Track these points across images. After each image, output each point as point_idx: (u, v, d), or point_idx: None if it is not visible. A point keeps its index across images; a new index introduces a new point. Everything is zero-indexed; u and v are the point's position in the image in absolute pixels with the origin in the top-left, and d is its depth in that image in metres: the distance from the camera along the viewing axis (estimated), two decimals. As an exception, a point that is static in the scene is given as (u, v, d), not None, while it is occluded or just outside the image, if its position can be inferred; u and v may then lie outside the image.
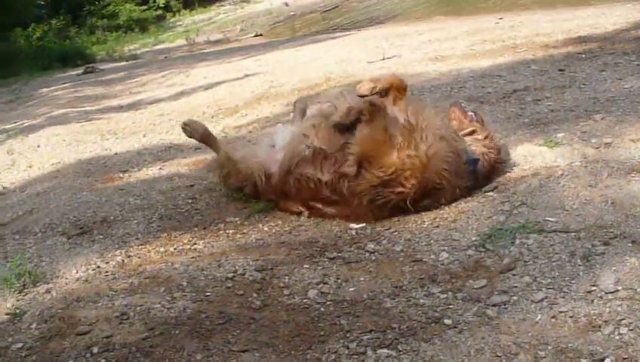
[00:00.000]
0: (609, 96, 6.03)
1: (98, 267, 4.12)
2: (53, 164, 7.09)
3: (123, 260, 4.18)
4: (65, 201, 5.51)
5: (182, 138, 7.53)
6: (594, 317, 2.96)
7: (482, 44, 9.90)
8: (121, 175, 6.30)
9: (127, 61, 21.85)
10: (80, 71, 18.80)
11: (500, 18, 13.41)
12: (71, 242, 4.63)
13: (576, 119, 5.52)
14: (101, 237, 4.65)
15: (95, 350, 3.15)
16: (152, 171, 6.27)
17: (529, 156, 4.82)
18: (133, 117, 9.59)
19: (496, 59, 8.34)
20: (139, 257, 4.21)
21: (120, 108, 10.65)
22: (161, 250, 4.29)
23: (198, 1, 36.71)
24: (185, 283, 3.73)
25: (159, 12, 36.17)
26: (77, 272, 4.08)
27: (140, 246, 4.38)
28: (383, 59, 9.81)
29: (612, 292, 3.11)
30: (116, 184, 6.00)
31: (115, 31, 33.24)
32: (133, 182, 5.95)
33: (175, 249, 4.28)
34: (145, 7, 35.58)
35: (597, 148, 4.81)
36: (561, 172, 4.50)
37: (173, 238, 4.46)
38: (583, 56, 7.86)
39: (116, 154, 7.31)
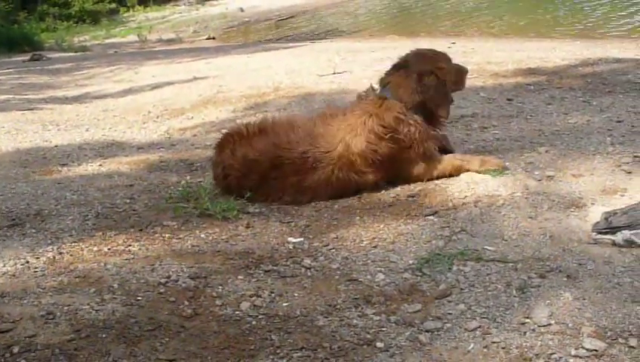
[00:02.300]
0: (554, 129, 6.12)
1: (27, 262, 4.01)
2: (-11, 151, 6.94)
3: (54, 257, 4.08)
4: (-2, 191, 5.40)
5: (125, 135, 7.49)
6: (525, 350, 2.97)
7: (433, 67, 9.97)
8: (59, 168, 6.20)
9: (76, 52, 21.62)
10: (26, 58, 18.53)
11: (453, 42, 13.59)
12: (1, 234, 4.51)
13: (520, 150, 5.58)
14: (33, 231, 4.53)
15: (16, 349, 3.04)
16: (91, 167, 6.18)
17: (472, 183, 4.85)
18: (77, 110, 9.47)
19: (445, 84, 8.40)
20: (71, 255, 4.11)
21: (64, 100, 10.51)
22: (95, 249, 4.19)
23: (153, -2, 36.50)
24: (116, 286, 3.64)
25: (113, 5, 35.89)
26: (4, 266, 3.96)
27: (73, 244, 4.27)
28: (334, 73, 9.82)
29: (545, 326, 3.13)
30: (54, 177, 5.89)
31: (66, 20, 32.83)
32: (71, 177, 5.85)
33: (109, 249, 4.19)
34: (99, -2, 35.27)
35: (539, 180, 4.87)
36: (502, 201, 4.54)
37: (108, 238, 4.37)
38: (532, 87, 7.97)
39: (56, 146, 7.20)
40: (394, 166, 4.97)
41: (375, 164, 4.90)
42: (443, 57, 5.31)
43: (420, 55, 5.30)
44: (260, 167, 4.94)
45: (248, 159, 4.99)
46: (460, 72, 5.41)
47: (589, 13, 18.61)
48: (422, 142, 4.92)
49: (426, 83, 5.01)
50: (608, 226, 3.95)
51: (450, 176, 5.04)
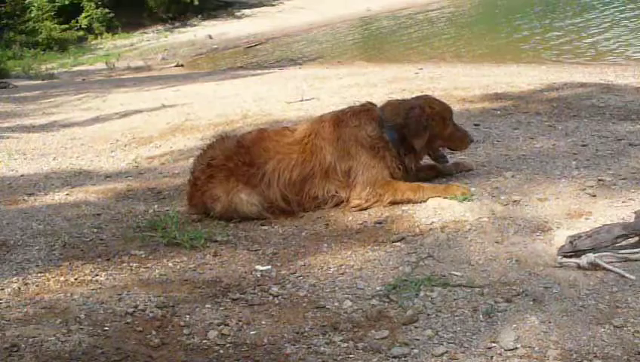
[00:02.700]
0: (520, 154, 6.17)
1: (-8, 293, 3.98)
2: (-46, 181, 6.88)
3: (19, 288, 4.04)
4: (-37, 221, 5.34)
5: (92, 164, 7.45)
6: (492, 374, 3.00)
7: (401, 93, 10.03)
8: (26, 198, 6.16)
9: (43, 80, 21.52)
10: (-7, 86, 18.39)
11: (421, 68, 13.69)
12: (-34, 265, 4.46)
13: (487, 175, 5.63)
14: (-1, 261, 4.50)
15: (-21, 383, 3.03)
16: (58, 196, 6.14)
17: (439, 209, 4.88)
18: (44, 138, 9.42)
19: (413, 110, 8.44)
20: (37, 285, 4.07)
21: (31, 128, 10.45)
22: (61, 279, 4.16)
23: (122, 25, 36.34)
24: (83, 316, 3.62)
25: (81, 33, 35.70)
26: (-31, 297, 3.93)
27: (39, 274, 4.23)
28: (302, 100, 9.85)
29: (511, 350, 3.16)
30: (20, 207, 5.85)
31: (33, 48, 32.63)
32: (38, 206, 5.81)
33: (76, 279, 4.16)
34: (66, 26, 35.06)
35: (505, 205, 4.91)
36: (469, 226, 4.58)
37: (75, 268, 4.33)
38: (498, 112, 8.04)
39: (23, 175, 7.16)
40: None
41: None
42: (442, 106, 5.68)
43: (423, 96, 5.88)
44: None
45: None
46: (460, 136, 5.66)
47: (554, 39, 18.85)
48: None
49: (412, 113, 5.29)
50: (573, 249, 3.99)
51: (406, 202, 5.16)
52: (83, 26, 35.83)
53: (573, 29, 20.19)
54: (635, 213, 4.21)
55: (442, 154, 5.66)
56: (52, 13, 34.74)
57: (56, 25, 34.58)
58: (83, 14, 35.87)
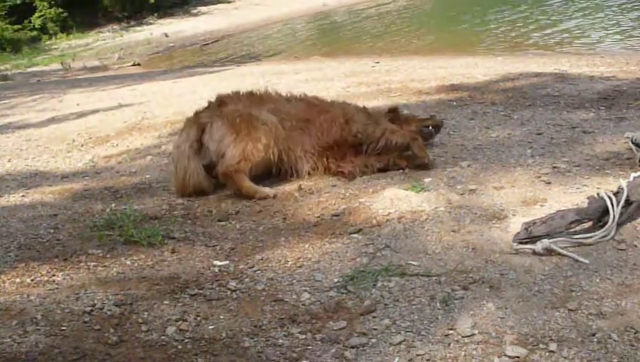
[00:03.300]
0: (476, 143, 6.23)
1: (-54, 296, 3.93)
2: None
3: (-25, 290, 4.00)
4: None
5: (49, 165, 7.38)
6: (450, 361, 3.03)
7: (358, 86, 10.09)
8: (-20, 200, 6.08)
9: (-4, 82, 21.23)
10: (-56, 89, 18.14)
11: (377, 62, 13.73)
12: None
13: (444, 165, 5.67)
14: (-47, 264, 4.44)
15: None
16: (14, 198, 6.08)
17: (395, 200, 4.90)
18: (-1, 140, 9.30)
19: (370, 102, 8.45)
20: (-8, 288, 4.04)
21: (-15, 131, 10.31)
22: (17, 280, 4.12)
23: (76, 25, 36.01)
24: (39, 317, 3.59)
25: (35, 33, 35.28)
26: None
27: (-6, 276, 4.20)
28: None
29: (468, 336, 3.19)
30: (-25, 209, 5.78)
31: (-16, 49, 32.24)
32: (-7, 209, 5.74)
33: (32, 280, 4.12)
34: (19, 26, 34.64)
35: (462, 194, 4.95)
36: (425, 216, 4.60)
37: (31, 269, 4.29)
38: (454, 103, 8.09)
39: (-23, 178, 7.06)
40: None
41: None
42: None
43: None
44: None
45: None
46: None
47: (508, 30, 18.99)
48: None
49: None
50: (528, 236, 4.04)
51: None
52: (36, 26, 35.44)
53: (527, 20, 20.33)
54: (589, 198, 4.27)
55: None
56: (3, 13, 34.28)
57: (8, 25, 34.14)
58: (36, 14, 35.49)
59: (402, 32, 22.77)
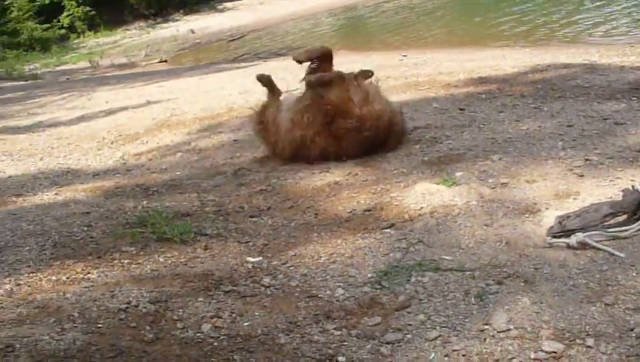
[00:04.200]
0: (507, 137, 6.19)
1: (-16, 295, 3.97)
2: (-59, 184, 6.85)
3: (12, 288, 4.03)
4: (-47, 224, 5.32)
5: (80, 163, 7.44)
6: (486, 356, 3.01)
7: (386, 80, 10.02)
8: (14, 199, 6.13)
9: (26, 80, 21.43)
10: (-24, 88, 18.32)
11: (405, 55, 13.69)
12: (-44, 267, 4.45)
13: (474, 158, 5.64)
14: (-10, 263, 4.49)
15: (-25, 385, 3.03)
16: (47, 196, 6.13)
17: (427, 194, 4.89)
18: (31, 139, 9.39)
19: (399, 96, 8.46)
20: (29, 286, 4.07)
21: (17, 129, 10.42)
22: (53, 278, 4.15)
23: (104, 23, 36.24)
24: (76, 314, 3.62)
25: (63, 32, 35.56)
26: (-39, 300, 3.92)
27: (30, 274, 4.23)
28: (287, 91, 9.82)
29: (504, 331, 3.17)
30: (9, 208, 5.83)
31: (15, 48, 32.47)
32: (27, 207, 5.79)
33: (67, 278, 4.16)
34: (48, 25, 34.90)
35: (493, 188, 4.93)
36: (458, 211, 4.59)
37: (66, 267, 4.33)
38: (483, 96, 8.05)
39: (10, 176, 7.13)
40: None
41: None
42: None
43: None
44: None
45: None
46: None
47: (534, 20, 18.86)
48: None
49: None
50: (562, 230, 4.01)
51: None
52: (65, 25, 35.73)
53: (553, 10, 20.18)
54: (623, 191, 4.24)
55: None
56: (33, 13, 34.56)
57: (37, 25, 34.42)
58: (64, 13, 35.77)
59: (428, 25, 22.68)
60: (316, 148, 6.15)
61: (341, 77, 6.26)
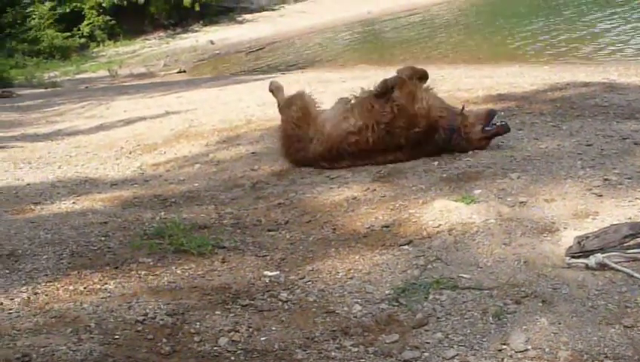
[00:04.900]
0: (525, 155, 6.16)
1: (1, 303, 3.95)
2: (-40, 191, 6.88)
3: (29, 297, 4.04)
4: (-29, 231, 5.34)
5: (98, 172, 7.46)
6: (503, 377, 3.01)
7: (404, 95, 10.03)
8: (32, 207, 6.15)
9: (46, 88, 21.57)
10: (-5, 95, 18.43)
11: (423, 71, 13.63)
12: (-26, 275, 4.46)
13: (493, 176, 5.62)
14: (7, 271, 4.47)
15: (-9, 394, 3.03)
16: (65, 205, 6.14)
17: (445, 211, 4.88)
18: (49, 147, 9.43)
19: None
20: (46, 295, 4.07)
21: (36, 137, 10.47)
22: (70, 288, 4.16)
23: (123, 32, 36.44)
24: (93, 325, 3.62)
25: (83, 41, 35.80)
26: (-22, 308, 3.93)
27: (48, 284, 4.23)
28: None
29: (522, 352, 3.17)
30: (27, 216, 5.85)
31: (35, 56, 32.70)
32: (44, 216, 5.81)
33: (85, 288, 4.16)
34: (68, 34, 35.11)
35: (512, 206, 4.91)
36: (476, 229, 4.57)
37: (84, 277, 4.33)
38: (502, 113, 8.00)
39: (29, 184, 7.16)
40: None
41: None
42: None
43: None
44: None
45: None
46: None
47: (552, 37, 18.85)
48: None
49: None
50: (581, 250, 3.99)
51: None
52: (85, 34, 35.98)
53: (574, 28, 20.16)
54: (643, 212, 4.22)
55: None
56: (53, 21, 34.79)
57: (57, 33, 34.66)
58: (85, 22, 36.02)
59: (446, 40, 22.74)
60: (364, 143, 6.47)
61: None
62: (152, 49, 34.12)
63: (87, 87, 21.55)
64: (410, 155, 6.44)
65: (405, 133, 6.39)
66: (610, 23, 19.93)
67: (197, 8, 37.42)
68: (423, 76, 6.85)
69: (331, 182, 6.03)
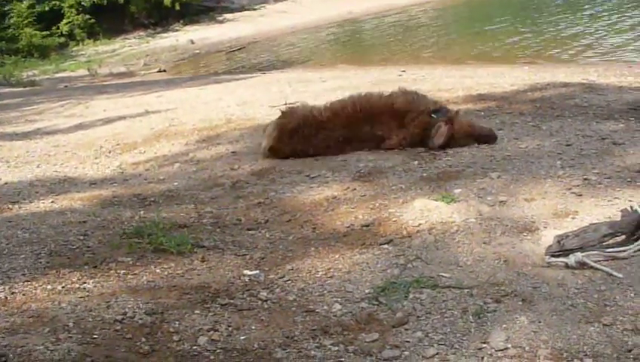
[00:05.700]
0: (505, 154, 6.19)
1: (-22, 303, 3.94)
2: (-64, 191, 6.81)
3: (6, 297, 4.00)
4: (-53, 231, 5.29)
5: (77, 171, 7.41)
6: (482, 375, 3.01)
7: (385, 95, 10.03)
8: (10, 206, 6.10)
9: (24, 87, 21.40)
10: (-27, 94, 18.28)
11: (403, 70, 13.71)
12: (-50, 275, 4.41)
13: (473, 176, 5.64)
14: (-16, 271, 4.45)
15: (-32, 394, 3.00)
16: (43, 204, 6.10)
17: (425, 211, 4.88)
18: (27, 146, 9.34)
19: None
20: (24, 294, 4.04)
21: (14, 136, 10.37)
22: (48, 287, 4.12)
23: (103, 31, 36.19)
24: (71, 324, 3.59)
25: (62, 39, 35.48)
26: (-46, 308, 3.88)
27: (25, 283, 4.19)
28: (285, 104, 9.82)
29: (502, 350, 3.17)
30: (4, 215, 5.80)
31: (13, 55, 32.42)
32: (22, 215, 5.76)
33: (63, 287, 4.13)
34: (47, 33, 34.86)
35: (492, 205, 4.92)
36: (456, 228, 4.58)
37: (62, 276, 4.30)
38: (482, 113, 8.05)
39: (6, 183, 7.10)
40: None
41: None
42: None
43: None
44: None
45: None
46: None
47: (535, 39, 18.93)
48: None
49: None
50: (561, 249, 4.01)
51: None
52: (64, 33, 35.63)
53: (553, 29, 20.27)
54: (621, 211, 4.24)
55: None
56: (32, 20, 34.52)
57: (36, 31, 34.34)
58: (64, 20, 35.69)
59: (427, 41, 22.75)
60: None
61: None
62: (132, 48, 33.91)
63: (66, 86, 21.40)
64: None
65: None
66: (590, 25, 20.04)
67: (177, 7, 37.21)
68: None
69: (311, 181, 6.02)
